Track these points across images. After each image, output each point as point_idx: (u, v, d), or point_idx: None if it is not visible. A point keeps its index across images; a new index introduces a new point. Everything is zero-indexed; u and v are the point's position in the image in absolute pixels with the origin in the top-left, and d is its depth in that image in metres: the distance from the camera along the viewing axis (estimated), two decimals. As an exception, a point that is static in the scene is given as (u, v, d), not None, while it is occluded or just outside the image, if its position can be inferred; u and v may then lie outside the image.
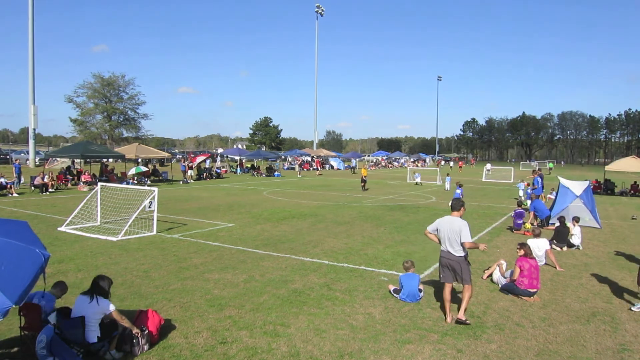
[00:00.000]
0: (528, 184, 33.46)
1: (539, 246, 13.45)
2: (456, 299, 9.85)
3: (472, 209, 26.09)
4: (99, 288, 7.48)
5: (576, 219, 17.11)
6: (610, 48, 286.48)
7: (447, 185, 39.72)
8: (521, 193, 34.57)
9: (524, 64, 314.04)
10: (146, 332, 7.52)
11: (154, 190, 17.55)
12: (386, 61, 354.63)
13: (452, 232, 8.89)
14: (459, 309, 9.08)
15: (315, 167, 77.02)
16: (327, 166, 79.34)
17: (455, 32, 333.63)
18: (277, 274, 11.93)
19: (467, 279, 8.94)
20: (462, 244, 8.82)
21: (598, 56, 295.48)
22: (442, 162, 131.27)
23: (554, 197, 24.30)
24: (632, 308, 9.80)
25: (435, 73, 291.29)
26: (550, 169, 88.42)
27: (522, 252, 11.07)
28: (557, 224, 17.11)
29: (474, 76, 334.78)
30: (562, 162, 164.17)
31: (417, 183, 45.70)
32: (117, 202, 19.65)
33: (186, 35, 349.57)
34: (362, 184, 37.97)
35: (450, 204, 9.42)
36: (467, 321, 8.81)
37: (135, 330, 7.37)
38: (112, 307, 7.36)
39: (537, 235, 13.79)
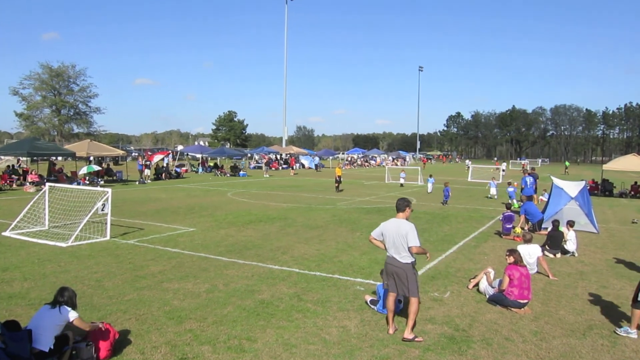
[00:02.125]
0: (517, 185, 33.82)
1: (530, 253, 13.34)
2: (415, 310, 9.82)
3: (457, 212, 26.34)
4: (63, 298, 7.47)
5: (571, 223, 17.05)
6: (608, 36, 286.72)
7: (430, 187, 38.09)
8: (493, 191, 35.03)
9: (513, 53, 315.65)
10: (92, 346, 7.46)
11: (108, 192, 17.29)
12: (363, 50, 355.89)
13: (399, 236, 8.73)
14: (406, 325, 8.94)
15: (285, 165, 77.02)
16: (297, 165, 79.33)
17: (439, 18, 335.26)
18: (242, 283, 11.84)
19: (414, 290, 8.73)
20: (409, 249, 8.65)
21: (594, 45, 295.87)
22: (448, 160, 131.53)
23: (546, 199, 24.38)
24: (617, 331, 9.38)
25: (417, 63, 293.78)
26: (567, 167, 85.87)
27: (511, 259, 10.97)
28: (550, 228, 17.08)
29: (459, 66, 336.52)
30: (547, 160, 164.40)
31: (401, 184, 45.19)
32: (67, 205, 19.29)
33: (144, 21, 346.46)
34: (336, 185, 37.97)
35: (395, 203, 9.27)
36: (417, 338, 8.62)
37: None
38: (74, 315, 7.38)
39: (528, 241, 13.69)
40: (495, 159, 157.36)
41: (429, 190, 37.72)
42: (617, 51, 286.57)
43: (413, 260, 8.80)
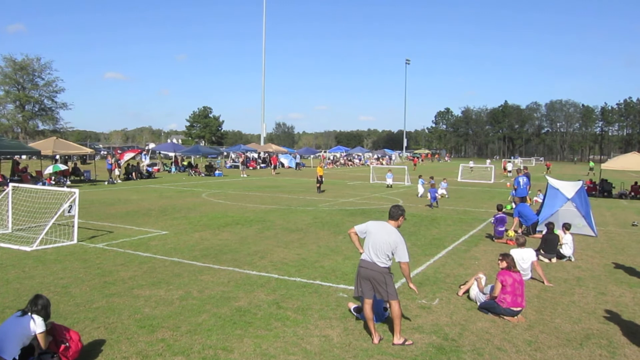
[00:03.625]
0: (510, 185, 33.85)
1: (524, 257, 13.15)
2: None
3: (446, 214, 26.39)
4: (36, 307, 7.40)
5: (567, 226, 16.87)
6: (606, 26, 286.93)
7: (421, 189, 36.34)
8: (421, 191, 35.39)
9: (506, 45, 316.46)
10: (57, 357, 7.40)
11: (75, 192, 17.13)
12: (346, 42, 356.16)
13: (385, 243, 8.76)
14: (392, 332, 8.99)
15: (264, 164, 76.90)
16: (277, 164, 79.20)
17: (427, 8, 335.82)
18: (218, 289, 11.79)
19: (393, 293, 8.79)
20: (399, 264, 8.76)
21: (592, 36, 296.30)
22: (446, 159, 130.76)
23: (541, 200, 24.24)
24: None
25: (403, 56, 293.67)
26: (591, 168, 78.28)
27: (504, 264, 10.83)
28: (545, 231, 16.97)
29: (449, 60, 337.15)
30: (542, 159, 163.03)
31: (388, 185, 44.48)
32: (31, 206, 19.14)
33: (114, 10, 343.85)
34: (318, 185, 37.94)
35: (389, 209, 9.28)
36: (407, 342, 8.72)
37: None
38: (40, 328, 7.29)
39: (521, 245, 13.45)
40: (497, 157, 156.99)
41: (420, 193, 36.08)
42: (616, 43, 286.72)
43: (390, 264, 8.87)
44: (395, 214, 9.08)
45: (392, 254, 8.83)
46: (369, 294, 8.93)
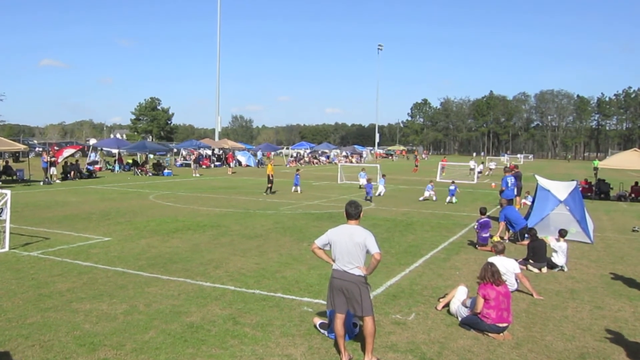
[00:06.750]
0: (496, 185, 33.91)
1: (507, 267, 12.85)
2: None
3: (424, 218, 26.46)
4: None
5: (562, 232, 16.61)
6: (602, 8, 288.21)
7: (381, 188, 37.30)
8: (362, 181, 36.07)
9: (491, 29, 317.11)
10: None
11: (6, 194, 16.90)
12: (311, 25, 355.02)
13: (354, 245, 8.66)
14: (364, 351, 8.94)
15: (219, 163, 76.63)
16: (234, 162, 78.97)
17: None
18: (167, 303, 11.73)
19: (368, 307, 8.69)
20: (373, 256, 8.53)
21: (586, 18, 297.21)
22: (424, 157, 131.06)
23: (530, 203, 24.16)
24: None
25: (375, 41, 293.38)
26: (596, 168, 70.03)
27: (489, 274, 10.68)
28: (529, 238, 16.77)
29: (426, 44, 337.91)
30: (532, 156, 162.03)
31: (361, 186, 43.24)
32: (-45, 209, 18.83)
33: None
34: (269, 186, 37.58)
35: (345, 209, 9.08)
36: None
37: None
38: None
39: (500, 252, 13.12)
40: (483, 153, 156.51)
41: (380, 192, 37.03)
42: (614, 26, 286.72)
43: (365, 274, 8.77)
44: (356, 213, 8.92)
45: (366, 252, 8.71)
46: (342, 307, 8.83)
